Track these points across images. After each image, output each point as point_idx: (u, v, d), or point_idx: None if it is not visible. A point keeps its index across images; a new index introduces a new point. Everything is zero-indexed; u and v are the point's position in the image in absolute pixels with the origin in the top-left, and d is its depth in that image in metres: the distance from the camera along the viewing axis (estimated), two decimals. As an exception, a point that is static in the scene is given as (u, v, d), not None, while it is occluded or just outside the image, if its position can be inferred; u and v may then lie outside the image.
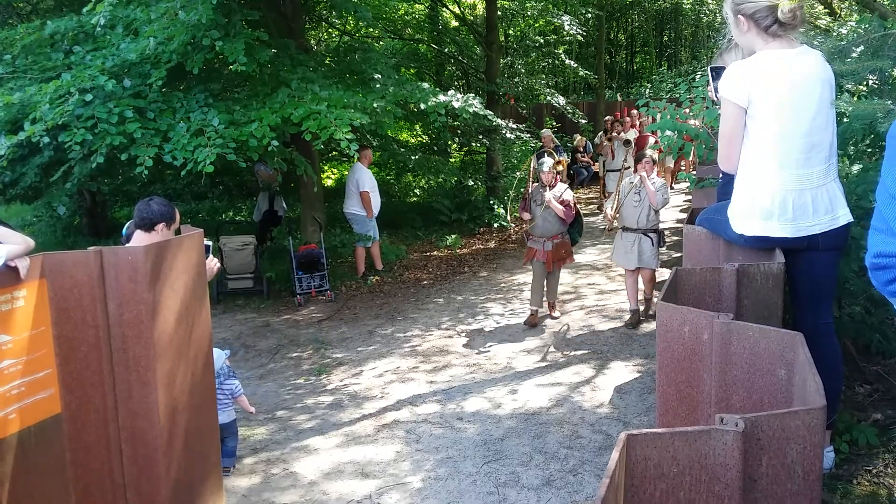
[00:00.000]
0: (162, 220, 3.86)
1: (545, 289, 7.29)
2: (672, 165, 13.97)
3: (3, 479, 2.91)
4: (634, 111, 15.09)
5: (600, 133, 15.12)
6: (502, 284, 9.04)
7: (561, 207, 6.90)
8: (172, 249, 3.46)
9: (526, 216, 7.16)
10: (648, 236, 6.77)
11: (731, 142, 3.03)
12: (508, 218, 8.26)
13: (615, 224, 7.05)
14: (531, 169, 7.36)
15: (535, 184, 7.22)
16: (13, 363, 2.96)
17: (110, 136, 6.32)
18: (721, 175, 3.77)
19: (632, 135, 13.31)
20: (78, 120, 6.28)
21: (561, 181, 7.35)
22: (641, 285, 7.11)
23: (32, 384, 3.05)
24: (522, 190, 8.62)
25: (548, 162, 7.09)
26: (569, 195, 7.04)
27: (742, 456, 1.63)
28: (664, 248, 7.62)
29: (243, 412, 5.12)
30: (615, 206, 6.99)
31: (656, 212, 6.79)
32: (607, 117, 14.38)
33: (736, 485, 1.65)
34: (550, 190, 6.99)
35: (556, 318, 7.32)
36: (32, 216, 13.16)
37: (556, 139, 13.38)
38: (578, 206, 7.33)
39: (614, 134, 13.48)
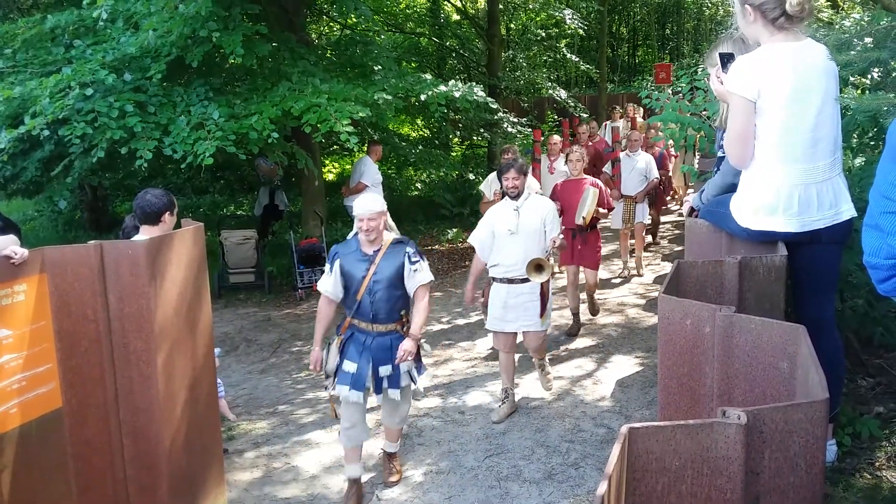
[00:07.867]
0: (165, 209, 3.84)
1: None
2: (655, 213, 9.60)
3: (3, 474, 2.91)
4: (583, 127, 10.63)
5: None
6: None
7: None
8: (173, 243, 3.46)
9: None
10: None
11: (743, 138, 2.91)
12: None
13: None
14: None
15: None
16: (13, 357, 2.95)
17: (111, 130, 6.31)
18: (715, 167, 3.73)
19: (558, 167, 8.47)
20: (78, 114, 6.27)
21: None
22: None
23: (33, 379, 3.05)
24: None
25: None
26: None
27: (744, 449, 1.62)
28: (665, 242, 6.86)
29: (244, 407, 5.14)
30: None
31: None
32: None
33: (738, 478, 1.64)
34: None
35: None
36: (34, 211, 13.17)
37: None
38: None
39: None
